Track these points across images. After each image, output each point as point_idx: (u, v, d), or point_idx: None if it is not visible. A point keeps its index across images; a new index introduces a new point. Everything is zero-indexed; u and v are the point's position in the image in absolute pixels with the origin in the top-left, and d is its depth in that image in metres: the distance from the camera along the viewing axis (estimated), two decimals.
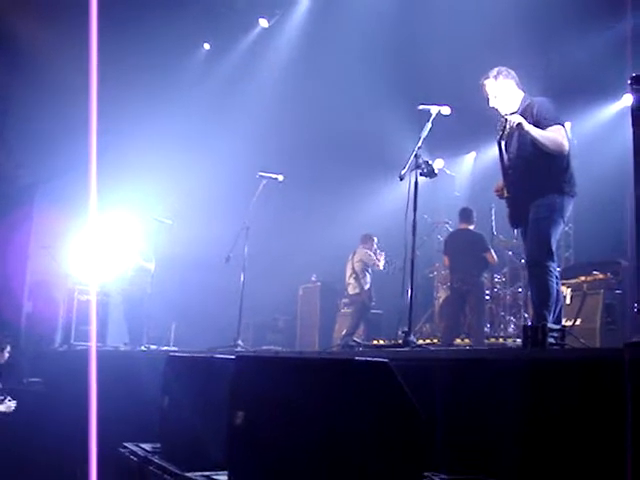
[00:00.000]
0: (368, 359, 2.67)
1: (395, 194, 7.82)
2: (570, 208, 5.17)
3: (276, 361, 3.42)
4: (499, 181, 5.41)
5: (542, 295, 4.88)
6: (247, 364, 3.40)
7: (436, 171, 5.67)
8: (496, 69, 5.38)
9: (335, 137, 12.22)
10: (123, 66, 10.73)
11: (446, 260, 9.24)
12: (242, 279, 7.69)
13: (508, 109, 5.27)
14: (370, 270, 10.43)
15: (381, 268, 10.37)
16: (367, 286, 10.38)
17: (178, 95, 12.61)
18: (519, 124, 4.95)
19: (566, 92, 10.08)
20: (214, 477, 3.54)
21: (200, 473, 3.59)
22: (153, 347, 9.39)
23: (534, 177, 5.08)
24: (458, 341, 8.78)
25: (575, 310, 7.63)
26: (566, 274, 8.76)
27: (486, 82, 5.39)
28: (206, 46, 14.00)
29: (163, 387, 4.62)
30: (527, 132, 4.97)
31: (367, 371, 2.61)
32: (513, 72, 5.39)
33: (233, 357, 3.55)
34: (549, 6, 9.08)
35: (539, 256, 4.97)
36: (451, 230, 10.01)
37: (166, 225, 9.87)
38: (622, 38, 8.97)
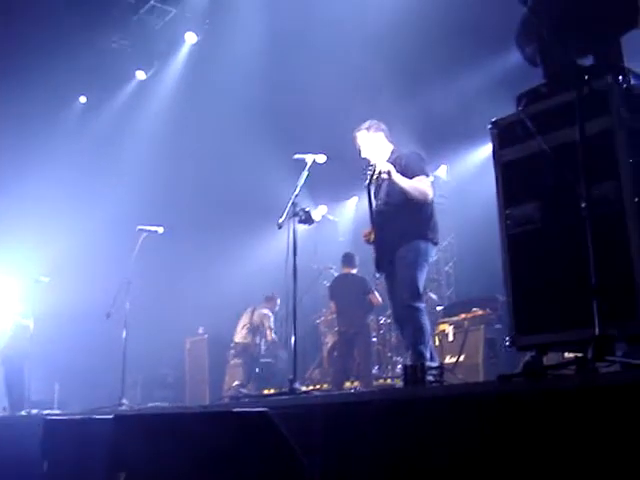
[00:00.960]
0: (246, 410, 2.64)
1: (278, 243, 7.85)
2: (433, 254, 5.52)
3: (154, 419, 3.33)
4: (367, 227, 5.58)
5: (417, 334, 5.10)
6: (126, 423, 3.29)
7: (315, 217, 5.77)
8: (368, 122, 5.70)
9: (216, 188, 12.20)
10: None
11: (333, 305, 9.32)
12: (124, 335, 7.50)
13: (378, 160, 5.49)
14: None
15: (269, 339, 10.53)
16: (259, 340, 10.55)
17: (55, 148, 12.30)
18: (388, 172, 5.21)
19: (440, 136, 10.49)
20: None
21: None
22: (34, 411, 8.95)
23: (401, 223, 5.33)
24: (348, 384, 8.82)
25: (458, 347, 7.81)
26: (448, 312, 9.01)
27: (358, 134, 5.69)
28: (82, 99, 13.76)
29: (42, 452, 4.41)
30: (395, 181, 5.24)
31: (246, 422, 2.58)
32: (383, 125, 5.73)
33: (111, 417, 3.42)
34: (419, 50, 9.41)
35: (410, 299, 5.20)
36: (336, 275, 10.12)
37: (43, 283, 9.52)
38: (492, 80, 9.41)
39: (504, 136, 3.57)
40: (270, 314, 10.80)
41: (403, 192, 5.27)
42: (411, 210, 5.31)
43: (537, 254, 3.32)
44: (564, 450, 2.47)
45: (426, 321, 5.16)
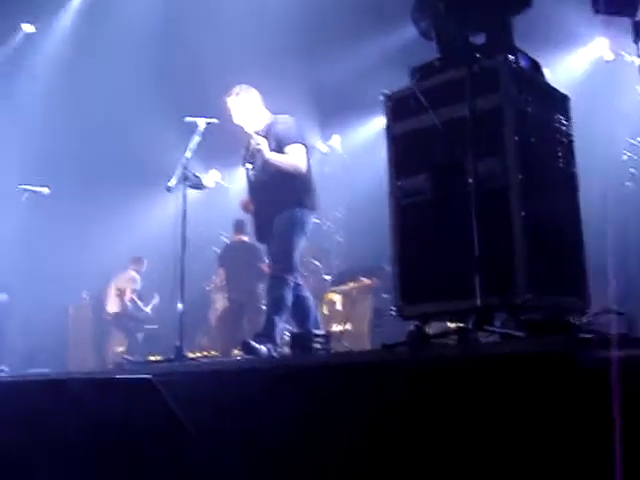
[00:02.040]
0: (130, 376, 2.59)
1: (168, 206, 7.71)
2: (311, 221, 5.48)
3: (34, 385, 3.22)
4: (245, 197, 5.64)
5: (276, 305, 5.16)
6: (3, 390, 3.17)
7: (206, 183, 5.70)
8: (238, 87, 5.59)
9: (105, 150, 11.82)
10: None
11: (222, 272, 9.26)
12: (4, 299, 7.23)
13: (252, 126, 5.49)
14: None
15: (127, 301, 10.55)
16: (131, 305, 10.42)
17: None
18: (259, 150, 5.22)
19: (334, 106, 10.54)
20: None
21: None
22: None
23: (276, 192, 5.30)
24: (236, 352, 8.81)
25: (346, 315, 7.94)
26: (336, 281, 9.12)
27: (228, 99, 5.56)
28: None
29: None
30: (268, 159, 5.22)
31: (129, 389, 2.53)
32: (254, 90, 5.61)
33: None
34: (317, 19, 9.40)
35: (279, 270, 5.22)
36: (227, 242, 10.05)
37: None
38: (388, 53, 9.49)
39: (397, 109, 3.61)
40: (136, 276, 10.76)
41: (276, 166, 5.26)
42: (285, 178, 5.27)
43: (424, 225, 3.40)
44: (446, 418, 2.55)
45: (288, 295, 5.16)
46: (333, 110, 10.79)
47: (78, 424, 2.68)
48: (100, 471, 2.55)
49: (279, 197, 5.29)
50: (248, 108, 5.53)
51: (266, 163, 5.29)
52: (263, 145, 5.20)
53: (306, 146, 5.45)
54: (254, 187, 5.51)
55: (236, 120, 5.55)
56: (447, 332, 3.14)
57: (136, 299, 10.54)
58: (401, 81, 3.74)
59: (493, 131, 3.19)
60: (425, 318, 3.37)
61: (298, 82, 10.23)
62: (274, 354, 4.88)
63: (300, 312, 5.41)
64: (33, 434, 2.86)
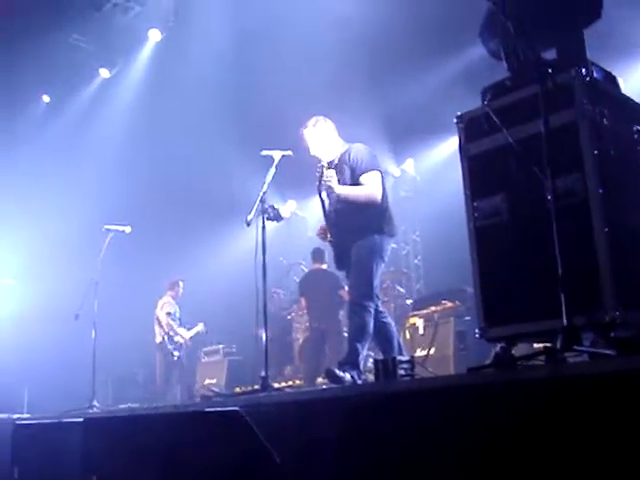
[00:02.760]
0: (218, 409, 2.63)
1: (247, 239, 7.83)
2: (389, 248, 5.50)
3: (124, 420, 3.30)
4: (322, 224, 5.72)
5: (358, 332, 5.17)
6: (95, 427, 3.26)
7: (284, 214, 5.79)
8: (314, 118, 5.68)
9: (183, 186, 12.14)
10: None
11: (303, 301, 9.32)
12: (93, 336, 7.43)
13: (327, 156, 5.56)
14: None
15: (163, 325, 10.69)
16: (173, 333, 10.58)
17: (18, 148, 12.14)
18: (330, 187, 5.32)
19: (406, 130, 10.55)
20: None
21: None
22: (3, 416, 8.82)
23: (352, 220, 5.36)
24: (320, 380, 8.82)
25: (429, 340, 7.86)
26: (418, 305, 9.06)
27: (305, 131, 5.65)
28: (45, 98, 13.58)
29: (12, 458, 4.36)
30: (339, 194, 5.33)
31: (217, 421, 2.57)
32: (329, 121, 5.69)
33: (81, 420, 3.39)
34: (382, 46, 9.45)
35: (359, 297, 5.24)
36: (306, 270, 10.12)
37: (8, 285, 9.42)
38: (456, 75, 9.48)
39: (470, 130, 3.59)
40: (171, 300, 10.90)
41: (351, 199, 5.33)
42: (360, 207, 5.33)
43: (504, 246, 3.35)
44: (535, 440, 2.50)
45: (370, 322, 5.18)
46: (405, 134, 10.81)
47: (166, 457, 2.73)
48: None
49: (356, 225, 5.33)
50: (324, 139, 5.61)
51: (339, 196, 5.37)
52: (333, 182, 5.28)
53: (381, 172, 5.49)
54: (331, 216, 5.57)
55: (313, 152, 5.63)
56: (534, 353, 3.07)
57: (171, 322, 10.64)
58: (471, 102, 3.73)
59: (570, 146, 3.14)
60: (510, 340, 3.32)
61: (369, 107, 10.29)
62: (358, 382, 4.87)
63: (383, 339, 5.43)
64: (124, 468, 2.92)
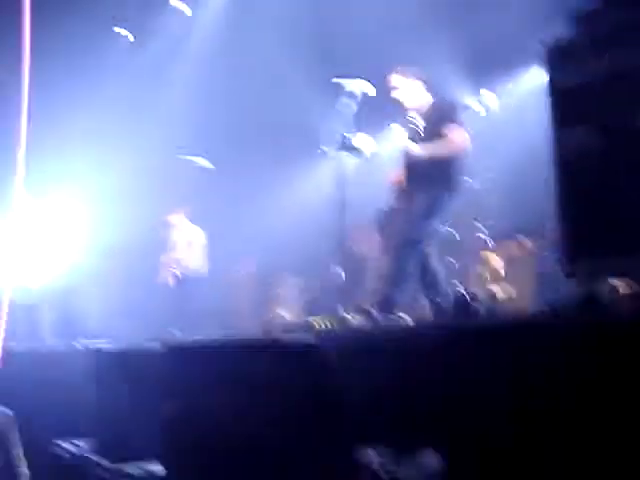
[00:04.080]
0: (296, 340, 2.64)
1: (326, 174, 7.79)
2: (449, 204, 5.63)
3: (204, 349, 3.35)
4: (397, 172, 5.84)
5: (398, 275, 5.45)
6: (177, 353, 3.33)
7: (364, 150, 5.74)
8: (406, 66, 5.78)
9: (259, 118, 12.07)
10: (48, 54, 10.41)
11: (377, 237, 9.26)
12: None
13: (410, 104, 5.72)
14: None
15: None
16: None
17: (102, 83, 12.26)
18: (415, 154, 5.53)
19: (487, 62, 10.19)
20: (148, 468, 3.48)
21: (135, 464, 3.53)
22: (86, 342, 9.16)
23: (425, 170, 5.50)
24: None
25: (506, 276, 7.75)
26: (495, 242, 8.90)
27: (394, 76, 5.73)
28: (130, 37, 13.64)
29: (95, 382, 4.52)
30: (422, 156, 5.49)
31: (296, 352, 2.58)
32: (424, 74, 5.81)
33: (161, 348, 3.47)
34: None
35: (404, 241, 5.49)
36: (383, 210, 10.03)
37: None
38: (538, 3, 9.07)
39: (559, 59, 3.41)
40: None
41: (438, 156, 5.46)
42: (437, 159, 5.47)
43: (590, 179, 3.21)
44: (618, 385, 2.42)
45: (411, 265, 5.43)
46: (486, 67, 10.45)
47: (240, 386, 2.76)
48: (266, 436, 2.61)
49: (426, 174, 5.48)
50: (410, 88, 5.71)
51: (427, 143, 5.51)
52: (415, 150, 5.51)
53: (463, 127, 5.60)
54: (408, 165, 5.68)
55: (394, 94, 5.71)
56: (617, 292, 2.96)
57: None
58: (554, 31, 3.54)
59: None
60: (592, 276, 3.21)
61: (447, 40, 9.98)
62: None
63: (428, 281, 5.65)
64: (203, 396, 2.97)
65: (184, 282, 9.95)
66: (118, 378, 4.01)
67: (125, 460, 3.47)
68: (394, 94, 5.71)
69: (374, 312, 5.20)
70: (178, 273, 10.00)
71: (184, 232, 10.22)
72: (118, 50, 13.37)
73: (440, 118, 5.55)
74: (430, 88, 5.80)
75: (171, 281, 9.95)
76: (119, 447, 3.72)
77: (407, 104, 5.70)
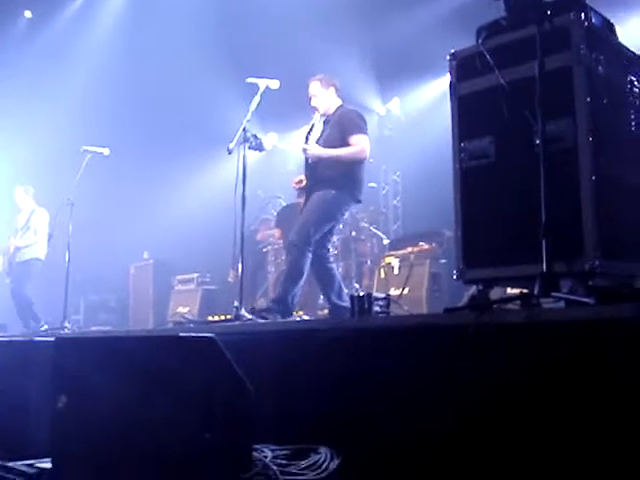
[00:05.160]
0: (193, 334, 2.62)
1: (227, 169, 7.74)
2: (348, 210, 5.98)
3: (97, 341, 3.28)
4: (300, 176, 6.05)
5: (291, 272, 5.63)
6: (68, 346, 3.24)
7: (266, 145, 5.82)
8: (321, 75, 6.03)
9: (164, 110, 11.90)
10: None
11: (277, 232, 9.29)
12: (67, 258, 7.38)
13: (324, 111, 5.97)
14: None
15: None
16: None
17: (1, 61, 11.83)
18: (313, 154, 5.75)
19: (394, 68, 10.39)
20: (38, 465, 3.36)
21: (23, 462, 3.39)
22: None
23: (327, 172, 5.71)
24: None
25: (403, 279, 7.90)
26: (394, 246, 9.07)
27: (311, 84, 6.00)
28: (27, 13, 13.18)
29: None
30: (329, 157, 5.69)
31: (193, 346, 2.56)
32: (336, 80, 6.07)
33: (53, 339, 3.37)
34: None
35: (297, 239, 5.61)
36: (284, 204, 10.07)
37: None
38: (447, 14, 9.30)
39: (462, 68, 3.52)
40: None
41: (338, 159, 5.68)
42: (339, 163, 5.68)
43: (489, 188, 3.32)
44: (507, 383, 2.52)
45: (304, 264, 5.57)
46: (392, 72, 10.66)
47: (138, 380, 2.72)
48: (157, 430, 2.59)
49: (327, 176, 5.67)
50: (325, 96, 5.94)
51: (328, 145, 5.74)
52: (319, 152, 5.73)
53: (368, 137, 5.83)
54: (310, 164, 5.86)
55: (313, 103, 5.97)
56: (511, 297, 3.08)
57: None
58: (462, 42, 3.65)
59: (562, 91, 3.09)
60: (488, 283, 3.32)
61: (357, 42, 10.12)
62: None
63: (323, 283, 5.92)
64: (95, 389, 2.91)
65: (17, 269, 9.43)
66: (7, 371, 3.86)
67: (13, 458, 3.34)
68: (313, 102, 5.95)
69: (270, 310, 5.36)
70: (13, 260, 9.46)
71: (25, 214, 9.70)
72: (16, 31, 12.93)
73: (346, 124, 5.77)
74: (341, 94, 6.04)
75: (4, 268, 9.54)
76: (7, 443, 3.58)
77: (321, 110, 5.93)
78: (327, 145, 5.74)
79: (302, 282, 5.64)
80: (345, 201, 5.75)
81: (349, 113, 5.92)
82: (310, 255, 5.58)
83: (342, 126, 5.78)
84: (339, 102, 6.00)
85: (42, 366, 3.35)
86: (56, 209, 7.64)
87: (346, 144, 5.70)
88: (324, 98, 5.95)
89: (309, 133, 5.94)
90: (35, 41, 12.86)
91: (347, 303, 5.03)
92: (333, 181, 5.65)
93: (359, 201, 5.91)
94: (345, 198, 5.72)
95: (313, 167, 5.81)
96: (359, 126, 5.80)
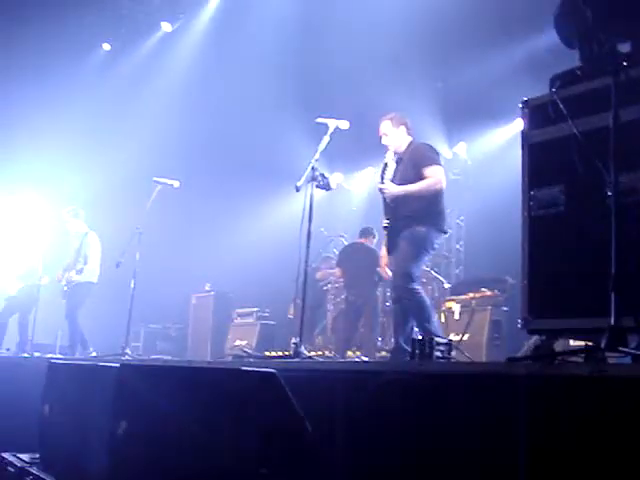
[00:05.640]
0: (255, 369, 2.63)
1: (292, 206, 7.82)
2: (437, 242, 5.93)
3: (161, 370, 3.33)
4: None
5: (419, 312, 5.56)
6: (131, 372, 3.30)
7: (332, 184, 5.88)
8: (392, 114, 6.07)
9: (234, 145, 12.15)
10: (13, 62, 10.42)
11: (338, 271, 9.32)
12: (132, 285, 7.52)
13: (396, 149, 6.01)
14: None
15: None
16: None
17: (76, 96, 12.25)
18: (391, 193, 5.77)
19: (462, 112, 10.40)
20: None
21: None
22: (37, 354, 9.02)
23: (408, 209, 5.71)
24: (350, 353, 8.85)
25: (463, 325, 7.82)
26: (456, 290, 9.00)
27: (382, 123, 6.04)
28: (106, 46, 13.67)
29: (44, 395, 4.44)
30: (406, 194, 5.71)
31: (254, 380, 2.58)
32: (406, 119, 6.11)
33: (117, 365, 3.44)
34: (447, 27, 9.35)
35: (405, 282, 5.62)
36: (346, 243, 10.11)
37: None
38: (518, 63, 9.31)
39: (535, 116, 3.50)
40: None
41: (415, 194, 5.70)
42: (419, 197, 5.69)
43: (558, 238, 3.28)
44: (570, 436, 2.46)
45: (424, 299, 5.61)
46: (460, 116, 10.68)
47: (197, 410, 2.75)
48: (217, 460, 2.60)
49: (410, 214, 5.67)
50: (396, 134, 5.99)
51: (405, 181, 5.76)
52: (394, 190, 5.74)
53: (442, 167, 5.87)
54: (389, 203, 5.86)
55: (384, 141, 6.01)
56: (577, 350, 3.02)
57: None
58: (531, 90, 3.65)
59: (637, 144, 3.05)
60: (553, 334, 3.27)
61: (427, 86, 10.17)
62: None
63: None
64: (155, 416, 2.94)
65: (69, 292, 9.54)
66: (69, 393, 3.95)
67: (71, 477, 3.40)
68: (383, 141, 5.99)
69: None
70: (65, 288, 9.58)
71: (77, 237, 9.75)
72: (94, 63, 13.39)
73: (419, 158, 5.80)
74: (411, 132, 6.08)
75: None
76: (65, 464, 3.65)
77: (393, 148, 5.96)
78: (403, 182, 5.77)
79: (435, 316, 5.75)
80: (433, 235, 5.74)
81: (420, 147, 5.96)
82: (421, 289, 5.67)
83: (415, 161, 5.80)
84: (410, 139, 6.04)
85: (104, 391, 3.41)
86: (126, 237, 7.81)
87: (421, 178, 5.71)
88: (395, 137, 5.98)
89: (383, 172, 5.95)
90: (112, 73, 13.32)
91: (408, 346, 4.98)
92: (416, 217, 5.65)
93: (445, 232, 5.95)
94: (432, 232, 5.72)
95: (393, 206, 5.80)
96: (432, 158, 5.82)
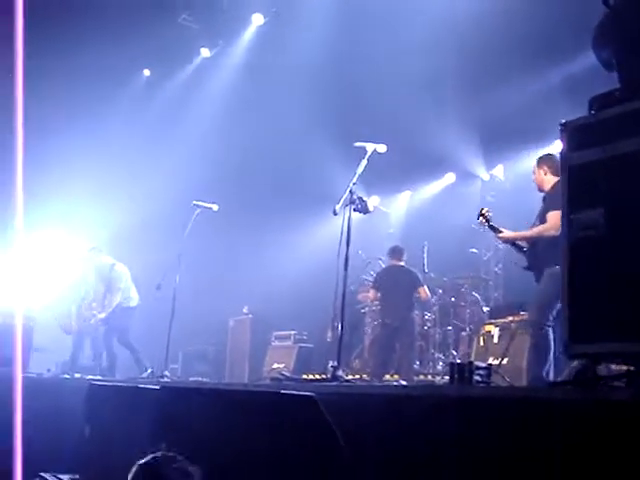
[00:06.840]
0: (294, 392, 2.65)
1: (330, 229, 7.84)
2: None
3: (201, 392, 3.36)
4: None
5: (539, 353, 5.82)
6: (172, 394, 3.33)
7: (370, 208, 5.85)
8: (547, 155, 6.54)
9: (272, 169, 12.26)
10: (55, 87, 10.63)
11: (372, 294, 9.28)
12: (172, 308, 7.59)
13: (539, 187, 6.36)
14: None
15: None
16: None
17: (117, 121, 12.48)
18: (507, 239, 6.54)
19: (499, 135, 10.38)
20: None
21: None
22: (78, 376, 9.12)
23: (545, 248, 5.90)
24: (387, 377, 8.80)
25: (503, 349, 7.73)
26: (495, 313, 8.91)
27: (535, 168, 6.42)
28: (146, 72, 13.93)
29: (85, 416, 4.50)
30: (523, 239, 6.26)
31: (293, 404, 2.59)
32: (554, 161, 6.13)
33: (158, 387, 3.47)
34: (484, 50, 9.36)
35: (539, 318, 5.84)
36: (384, 266, 10.09)
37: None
38: (554, 85, 9.30)
39: (574, 138, 3.48)
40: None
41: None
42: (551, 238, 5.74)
43: (599, 261, 3.24)
44: (613, 463, 2.43)
45: (549, 342, 5.73)
46: (497, 139, 10.66)
47: (237, 431, 2.76)
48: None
49: (547, 253, 5.79)
50: (539, 174, 6.31)
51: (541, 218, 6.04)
52: (510, 237, 6.46)
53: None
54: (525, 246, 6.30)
55: (533, 179, 6.41)
56: (619, 375, 2.98)
57: None
58: (570, 112, 3.64)
59: None
60: (594, 358, 3.22)
61: (465, 109, 10.17)
62: None
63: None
64: (195, 438, 2.96)
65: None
66: (110, 414, 3.99)
67: None
68: (533, 178, 6.38)
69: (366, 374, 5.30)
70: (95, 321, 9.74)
71: (104, 269, 9.85)
72: (135, 89, 13.63)
73: (552, 200, 5.87)
74: (555, 172, 6.07)
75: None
76: None
77: (538, 186, 6.33)
78: (540, 221, 6.02)
79: (551, 356, 5.78)
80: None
81: (558, 187, 5.95)
82: (552, 331, 5.74)
83: (548, 202, 5.99)
84: (555, 179, 6.04)
85: (145, 412, 3.45)
86: (167, 260, 7.91)
87: (544, 220, 5.92)
88: (538, 177, 6.31)
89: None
90: (152, 99, 13.55)
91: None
92: (551, 258, 5.63)
93: None
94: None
95: (530, 247, 6.16)
96: (558, 203, 5.87)
